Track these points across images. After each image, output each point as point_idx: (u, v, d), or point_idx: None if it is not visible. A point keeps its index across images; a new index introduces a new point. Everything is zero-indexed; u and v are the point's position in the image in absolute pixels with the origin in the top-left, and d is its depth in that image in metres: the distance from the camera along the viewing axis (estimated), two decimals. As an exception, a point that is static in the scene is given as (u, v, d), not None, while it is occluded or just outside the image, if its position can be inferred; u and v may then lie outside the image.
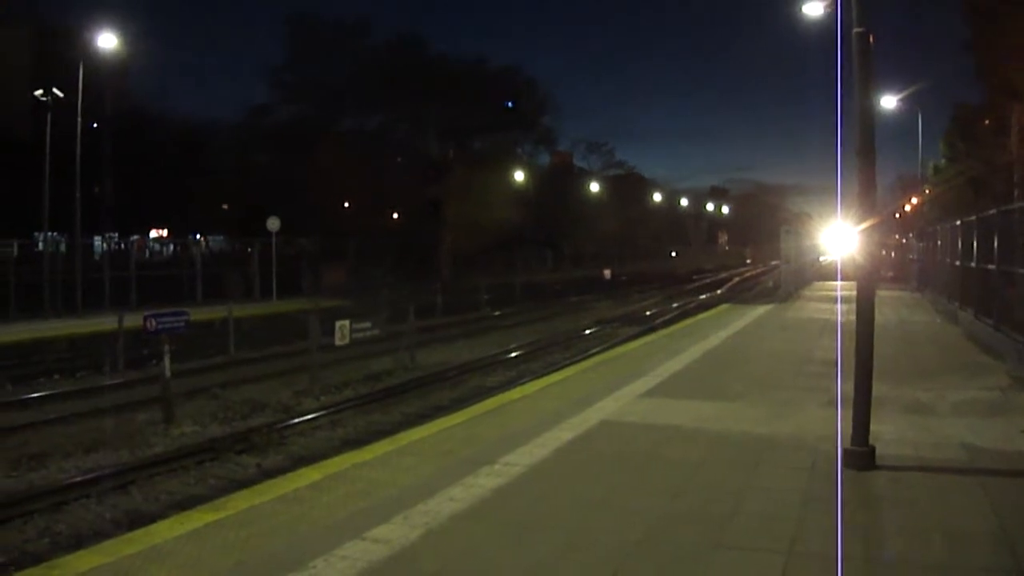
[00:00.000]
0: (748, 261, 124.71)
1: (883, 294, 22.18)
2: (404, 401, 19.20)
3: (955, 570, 6.09)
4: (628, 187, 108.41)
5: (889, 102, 43.01)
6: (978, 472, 8.48)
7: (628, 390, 13.61)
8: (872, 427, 8.68)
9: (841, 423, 9.20)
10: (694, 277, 79.37)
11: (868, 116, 8.89)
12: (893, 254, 56.68)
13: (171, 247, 62.78)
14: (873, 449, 8.62)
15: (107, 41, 38.17)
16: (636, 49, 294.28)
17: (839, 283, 37.64)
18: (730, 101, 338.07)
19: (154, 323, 17.17)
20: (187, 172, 60.84)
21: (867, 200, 8.90)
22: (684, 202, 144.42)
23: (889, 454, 8.86)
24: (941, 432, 10.20)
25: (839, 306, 27.83)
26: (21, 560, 9.41)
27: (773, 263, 58.29)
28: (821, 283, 46.33)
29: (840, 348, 16.64)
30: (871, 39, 8.75)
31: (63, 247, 43.88)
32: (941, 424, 10.71)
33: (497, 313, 41.84)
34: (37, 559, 8.58)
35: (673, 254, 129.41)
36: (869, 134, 8.81)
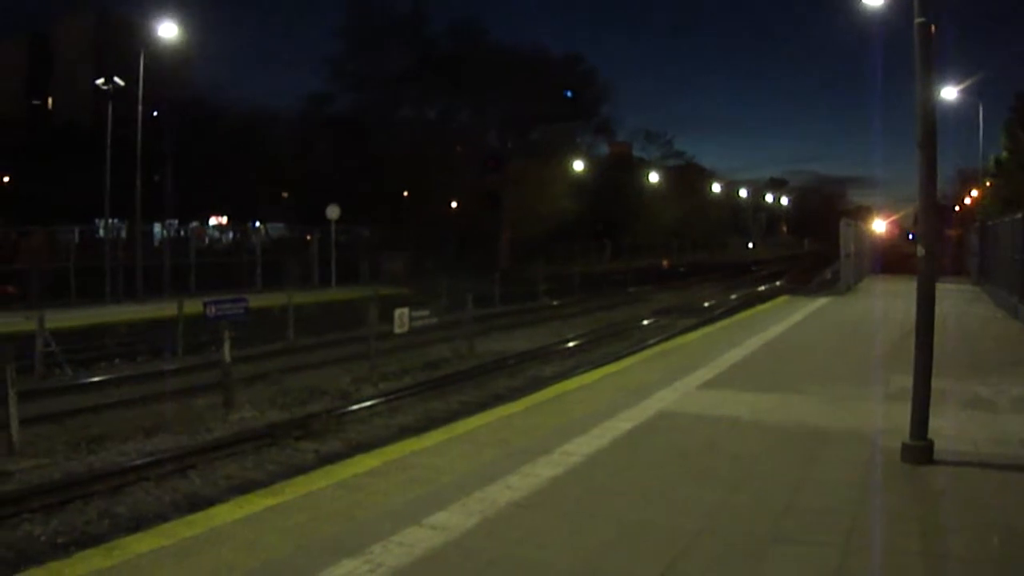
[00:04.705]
0: (807, 253, 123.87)
1: (943, 287, 21.90)
2: (462, 389, 19.24)
3: (1012, 567, 6.03)
4: (687, 177, 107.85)
5: (950, 93, 42.37)
6: (1038, 469, 8.37)
7: (686, 381, 13.57)
8: (931, 422, 8.59)
9: (899, 417, 9.11)
10: (752, 268, 78.79)
11: (929, 108, 8.78)
12: (954, 248, 55.90)
13: (230, 234, 63.34)
14: (931, 444, 8.53)
15: (168, 31, 38.57)
16: (697, 40, 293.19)
17: (898, 276, 37.19)
18: (792, 92, 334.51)
19: (214, 310, 17.36)
20: (247, 160, 61.32)
21: (928, 193, 8.82)
22: (743, 193, 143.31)
23: (948, 449, 8.75)
24: (1001, 428, 10.08)
25: (898, 299, 27.53)
26: (82, 541, 9.54)
27: (833, 255, 57.78)
28: (881, 276, 45.83)
29: (899, 342, 16.47)
30: (932, 30, 8.64)
31: (123, 234, 44.44)
32: (1001, 420, 10.58)
33: (555, 303, 41.80)
34: (97, 540, 8.64)
35: (750, 245, 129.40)
36: (930, 126, 8.72)
